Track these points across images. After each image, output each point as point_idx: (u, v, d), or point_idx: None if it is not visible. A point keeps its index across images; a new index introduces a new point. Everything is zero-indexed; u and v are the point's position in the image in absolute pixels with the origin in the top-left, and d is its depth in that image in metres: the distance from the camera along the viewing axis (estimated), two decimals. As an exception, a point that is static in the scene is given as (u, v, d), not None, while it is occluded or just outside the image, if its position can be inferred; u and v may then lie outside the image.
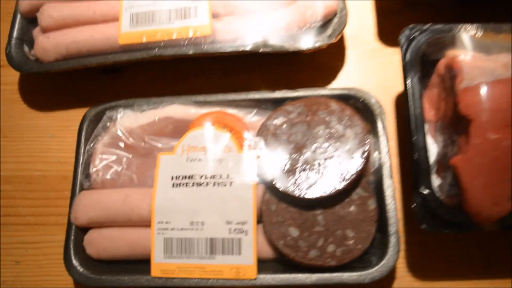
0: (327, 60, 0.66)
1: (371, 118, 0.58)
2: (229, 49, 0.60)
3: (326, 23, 0.61)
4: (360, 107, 0.59)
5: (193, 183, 0.55)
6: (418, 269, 0.57)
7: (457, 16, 0.61)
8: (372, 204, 0.54)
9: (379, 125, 0.57)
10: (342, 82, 0.66)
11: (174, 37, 0.60)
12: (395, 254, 0.52)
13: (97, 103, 0.63)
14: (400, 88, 0.64)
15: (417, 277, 0.56)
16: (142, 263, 0.55)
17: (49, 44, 0.63)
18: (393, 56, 0.66)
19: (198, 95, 0.61)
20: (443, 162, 0.52)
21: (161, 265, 0.54)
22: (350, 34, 0.67)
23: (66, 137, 0.67)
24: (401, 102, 0.63)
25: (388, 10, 0.68)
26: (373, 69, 0.66)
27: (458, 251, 0.57)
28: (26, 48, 0.66)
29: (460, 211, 0.49)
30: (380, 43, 0.67)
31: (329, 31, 0.60)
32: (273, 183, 0.54)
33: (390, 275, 0.56)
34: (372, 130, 0.57)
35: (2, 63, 0.73)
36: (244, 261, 0.53)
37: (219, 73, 0.68)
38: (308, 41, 0.60)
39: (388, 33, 0.67)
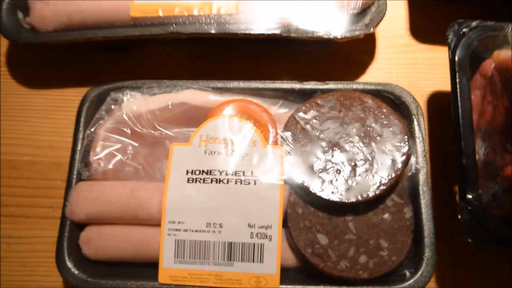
0: (355, 52, 0.61)
1: (407, 117, 0.53)
2: (257, 31, 0.53)
3: (361, 12, 0.56)
4: (393, 105, 0.54)
5: (211, 179, 0.48)
6: (448, 283, 0.53)
7: (494, 14, 0.56)
8: (408, 212, 0.49)
9: (416, 126, 0.52)
10: (371, 77, 0.61)
11: (195, 12, 0.53)
12: (431, 268, 0.48)
13: (97, 83, 0.55)
14: (433, 88, 0.60)
15: (446, 291, 0.52)
16: (147, 266, 0.49)
17: (48, 12, 0.55)
18: (425, 53, 0.61)
19: (217, 80, 0.54)
20: (487, 171, 0.48)
21: (171, 270, 0.47)
22: (380, 27, 0.62)
23: (60, 119, 0.59)
24: (435, 102, 0.59)
25: (422, 4, 0.63)
26: (404, 65, 0.61)
27: (490, 265, 0.53)
28: (20, 15, 0.57)
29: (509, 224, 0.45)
30: (412, 38, 0.62)
31: (367, 19, 0.55)
32: (303, 183, 0.48)
33: (419, 289, 0.51)
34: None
35: (-13, 30, 0.64)
36: (266, 270, 0.47)
37: (239, 58, 0.61)
38: (343, 29, 0.54)
39: (421, 28, 0.62)
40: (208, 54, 0.61)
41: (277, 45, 0.60)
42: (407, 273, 0.48)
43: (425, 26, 0.62)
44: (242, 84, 0.54)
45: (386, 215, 0.49)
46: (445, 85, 0.59)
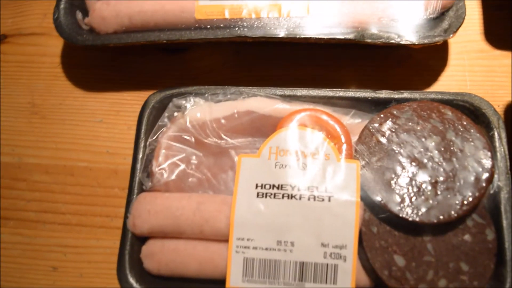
0: (426, 58, 0.58)
1: (487, 130, 0.50)
2: (329, 35, 0.50)
3: (439, 16, 0.52)
4: (472, 116, 0.50)
5: (283, 195, 0.46)
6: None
7: None
8: (490, 234, 0.46)
9: (497, 140, 0.49)
10: (443, 85, 0.57)
11: (263, 15, 0.50)
12: (515, 295, 0.44)
13: (154, 86, 0.53)
14: (510, 98, 0.55)
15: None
16: (210, 283, 0.47)
17: (109, 13, 0.52)
18: (502, 60, 0.57)
19: (284, 88, 0.51)
20: None
21: (239, 289, 0.45)
22: (453, 31, 0.58)
23: (117, 124, 0.57)
24: (514, 114, 0.55)
25: (498, 6, 0.59)
26: (479, 73, 0.57)
27: None
28: (79, 15, 0.55)
29: None
30: (487, 44, 0.58)
31: (445, 24, 0.51)
32: (380, 201, 0.45)
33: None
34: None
35: (41, 30, 0.62)
36: (340, 292, 0.44)
37: (301, 62, 0.58)
38: (420, 35, 0.51)
39: (497, 32, 0.58)
40: (270, 58, 0.58)
41: (341, 49, 0.57)
42: (487, 299, 0.45)
43: (501, 31, 0.58)
44: (311, 92, 0.51)
45: (466, 236, 0.46)
46: (525, 95, 0.55)
